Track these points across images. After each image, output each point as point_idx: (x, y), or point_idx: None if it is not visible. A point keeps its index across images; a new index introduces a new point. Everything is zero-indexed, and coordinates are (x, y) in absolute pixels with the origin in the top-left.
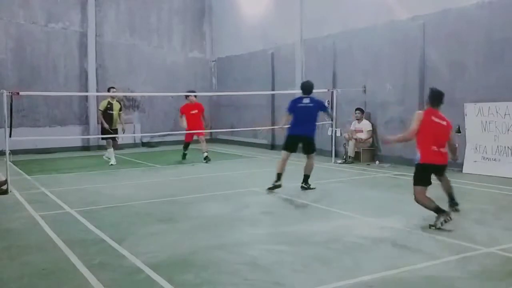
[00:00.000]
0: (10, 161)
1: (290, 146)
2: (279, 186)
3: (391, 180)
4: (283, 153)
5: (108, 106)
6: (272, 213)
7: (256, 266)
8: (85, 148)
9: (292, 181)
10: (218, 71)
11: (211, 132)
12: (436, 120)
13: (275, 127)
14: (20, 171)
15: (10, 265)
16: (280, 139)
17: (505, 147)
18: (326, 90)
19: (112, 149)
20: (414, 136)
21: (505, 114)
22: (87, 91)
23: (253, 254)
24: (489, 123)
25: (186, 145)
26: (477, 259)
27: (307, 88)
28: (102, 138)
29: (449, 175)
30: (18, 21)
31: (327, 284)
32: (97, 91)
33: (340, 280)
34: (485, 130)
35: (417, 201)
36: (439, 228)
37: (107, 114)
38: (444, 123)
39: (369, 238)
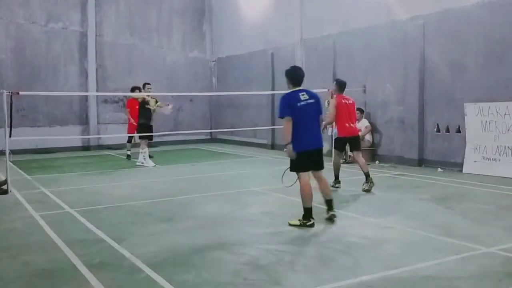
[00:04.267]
0: (10, 161)
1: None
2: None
3: (391, 180)
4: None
5: (146, 100)
6: (272, 213)
7: (256, 266)
8: (85, 148)
9: (292, 181)
10: (218, 71)
11: (211, 132)
12: (346, 102)
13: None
14: (20, 171)
15: (10, 265)
16: (280, 139)
17: (505, 147)
18: (326, 90)
19: (147, 149)
20: (334, 117)
21: (505, 114)
22: (87, 91)
23: (253, 254)
24: (489, 123)
25: (129, 139)
26: (477, 259)
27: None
28: (140, 137)
29: (449, 175)
30: (18, 21)
31: (327, 284)
32: (97, 91)
33: (340, 280)
34: (485, 130)
35: (335, 160)
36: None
37: (145, 109)
38: (351, 101)
39: (369, 238)
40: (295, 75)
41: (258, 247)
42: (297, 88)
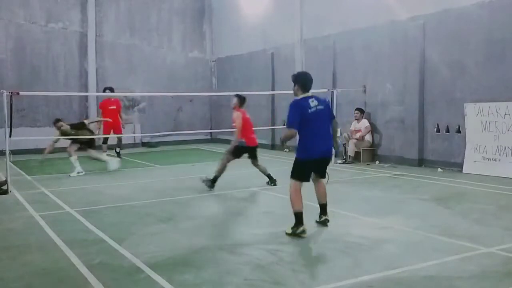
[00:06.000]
0: (10, 161)
1: None
2: None
3: (391, 180)
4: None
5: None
6: (272, 213)
7: (256, 266)
8: None
9: None
10: (218, 71)
11: (211, 132)
12: (248, 116)
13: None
14: (20, 171)
15: (10, 265)
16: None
17: (505, 147)
18: (326, 90)
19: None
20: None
21: (505, 114)
22: (87, 91)
23: (253, 254)
24: (489, 123)
25: (105, 141)
26: (477, 259)
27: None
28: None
29: (449, 175)
30: (18, 21)
31: (327, 284)
32: (97, 91)
33: (340, 280)
34: (485, 130)
35: (223, 162)
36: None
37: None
38: (248, 115)
39: (369, 238)
40: (304, 81)
41: (258, 247)
42: (306, 95)
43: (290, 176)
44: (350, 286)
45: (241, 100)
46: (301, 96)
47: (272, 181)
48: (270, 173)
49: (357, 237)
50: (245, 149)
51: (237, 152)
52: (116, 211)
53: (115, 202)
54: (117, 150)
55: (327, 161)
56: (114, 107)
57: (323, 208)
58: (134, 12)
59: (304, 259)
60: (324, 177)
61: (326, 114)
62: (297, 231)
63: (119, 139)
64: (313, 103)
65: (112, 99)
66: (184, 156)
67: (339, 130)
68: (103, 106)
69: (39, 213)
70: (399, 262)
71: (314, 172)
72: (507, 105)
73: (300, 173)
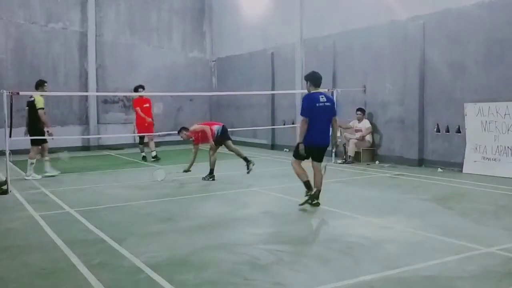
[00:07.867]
0: (10, 161)
1: None
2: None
3: (391, 180)
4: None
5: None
6: (272, 213)
7: (256, 266)
8: (85, 148)
9: (293, 181)
10: (218, 71)
11: None
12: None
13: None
14: (20, 171)
15: (10, 265)
16: (280, 139)
17: (505, 147)
18: (326, 90)
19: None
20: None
21: (505, 114)
22: (87, 91)
23: (253, 254)
24: (489, 123)
25: (141, 141)
26: (477, 259)
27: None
28: (38, 144)
29: (449, 175)
30: (18, 21)
31: (327, 284)
32: (97, 91)
33: (340, 280)
34: (485, 130)
35: (213, 157)
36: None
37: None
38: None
39: (369, 238)
40: (315, 78)
41: (258, 247)
42: (317, 90)
43: (293, 155)
44: (350, 286)
45: (185, 128)
46: (313, 91)
47: (211, 176)
48: (214, 168)
49: (357, 237)
50: (218, 137)
51: (215, 143)
52: (116, 211)
53: (115, 202)
54: (154, 153)
55: (324, 149)
56: (148, 105)
57: (317, 193)
58: (134, 12)
59: (304, 259)
60: (320, 161)
61: (330, 111)
62: (308, 193)
63: (151, 139)
64: (322, 98)
65: (144, 98)
66: (184, 156)
67: (339, 129)
68: (139, 104)
69: (39, 213)
70: (399, 262)
71: (312, 158)
72: (507, 105)
73: (300, 154)
